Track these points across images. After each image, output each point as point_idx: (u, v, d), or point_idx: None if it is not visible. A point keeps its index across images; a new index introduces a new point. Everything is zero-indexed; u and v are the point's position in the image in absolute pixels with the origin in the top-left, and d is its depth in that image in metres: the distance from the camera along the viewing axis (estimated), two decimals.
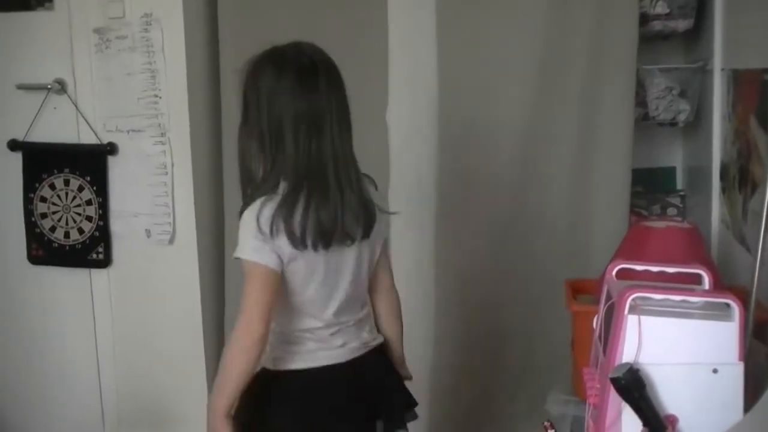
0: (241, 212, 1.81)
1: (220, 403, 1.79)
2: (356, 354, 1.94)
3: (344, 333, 1.93)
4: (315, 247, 1.80)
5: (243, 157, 1.87)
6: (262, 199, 1.79)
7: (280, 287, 1.81)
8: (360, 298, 1.98)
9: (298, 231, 1.77)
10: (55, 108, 3.05)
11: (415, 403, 2.08)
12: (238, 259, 1.79)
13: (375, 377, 1.96)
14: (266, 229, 1.75)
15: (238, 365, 1.79)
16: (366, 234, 1.89)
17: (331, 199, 1.81)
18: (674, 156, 3.17)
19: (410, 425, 2.39)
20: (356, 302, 1.96)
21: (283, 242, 1.77)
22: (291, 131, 1.79)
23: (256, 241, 1.76)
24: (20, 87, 3.06)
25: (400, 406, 2.02)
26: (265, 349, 1.82)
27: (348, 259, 1.89)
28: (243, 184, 1.88)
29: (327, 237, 1.80)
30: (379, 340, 2.04)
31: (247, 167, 1.86)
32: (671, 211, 3.06)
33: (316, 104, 1.81)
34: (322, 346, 1.90)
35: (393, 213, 1.98)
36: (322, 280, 1.86)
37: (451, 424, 3.01)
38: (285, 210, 1.77)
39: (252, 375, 1.81)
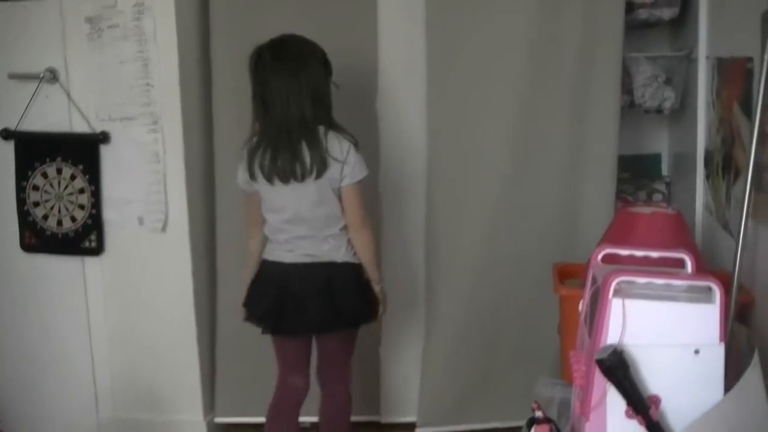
0: None
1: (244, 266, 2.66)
2: (302, 260, 2.51)
3: (293, 242, 2.51)
4: (260, 180, 2.48)
5: None
6: (246, 143, 2.52)
7: (254, 198, 2.55)
8: (315, 220, 2.49)
9: (251, 168, 2.48)
10: (47, 97, 3.05)
11: (361, 311, 2.58)
12: None
13: (311, 280, 2.51)
14: (241, 162, 2.51)
15: (244, 240, 2.66)
16: (318, 176, 2.43)
17: (277, 152, 2.44)
18: (660, 143, 3.22)
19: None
20: (308, 223, 2.49)
21: (243, 172, 2.51)
22: (255, 104, 2.49)
23: (238, 168, 2.54)
24: (12, 76, 3.05)
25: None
26: (258, 234, 2.59)
27: (292, 190, 2.46)
28: None
29: (269, 175, 2.46)
30: (337, 258, 2.52)
31: None
32: (657, 196, 3.11)
33: (264, 87, 2.45)
34: (277, 246, 2.55)
35: (342, 161, 2.45)
36: (271, 201, 2.51)
37: (444, 407, 3.05)
38: (250, 153, 2.49)
39: (257, 251, 2.60)
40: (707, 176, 2.71)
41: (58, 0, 3.00)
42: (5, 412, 3.25)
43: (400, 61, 3.03)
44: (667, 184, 3.12)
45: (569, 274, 2.50)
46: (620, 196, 3.00)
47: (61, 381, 3.25)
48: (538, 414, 2.03)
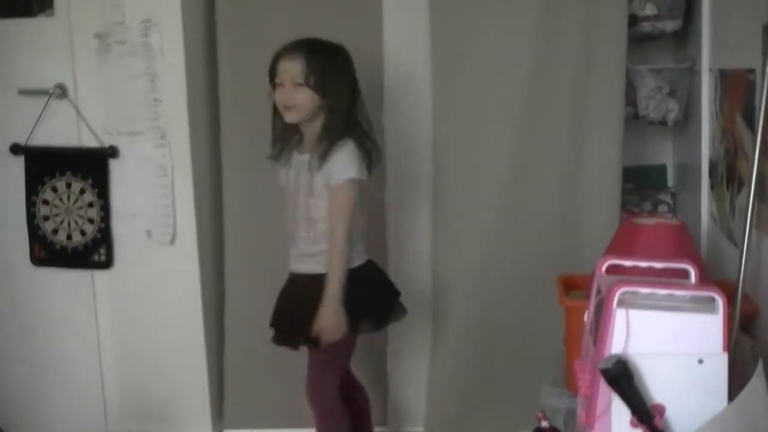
0: (329, 152, 2.46)
1: (340, 293, 2.45)
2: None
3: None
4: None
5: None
6: (351, 141, 2.48)
7: None
8: None
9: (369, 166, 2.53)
10: (56, 112, 3.09)
11: None
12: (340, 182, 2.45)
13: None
14: (354, 162, 2.46)
15: (344, 261, 2.47)
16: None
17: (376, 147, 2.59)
18: (664, 154, 3.23)
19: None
20: None
21: (365, 169, 2.50)
22: (349, 102, 2.53)
23: (354, 169, 2.45)
24: (22, 92, 3.09)
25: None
26: None
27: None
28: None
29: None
30: None
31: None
32: (662, 207, 3.12)
33: (355, 83, 2.56)
34: (363, 248, 2.58)
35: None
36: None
37: (451, 416, 3.06)
38: (364, 150, 2.51)
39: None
40: (712, 187, 2.72)
41: (67, 17, 3.04)
42: (14, 423, 3.28)
43: (404, 70, 3.05)
44: (673, 195, 3.14)
45: (574, 286, 2.51)
46: (626, 207, 3.01)
47: (70, 393, 3.28)
48: (544, 423, 2.04)
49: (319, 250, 2.52)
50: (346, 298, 2.47)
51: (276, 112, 2.57)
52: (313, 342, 2.51)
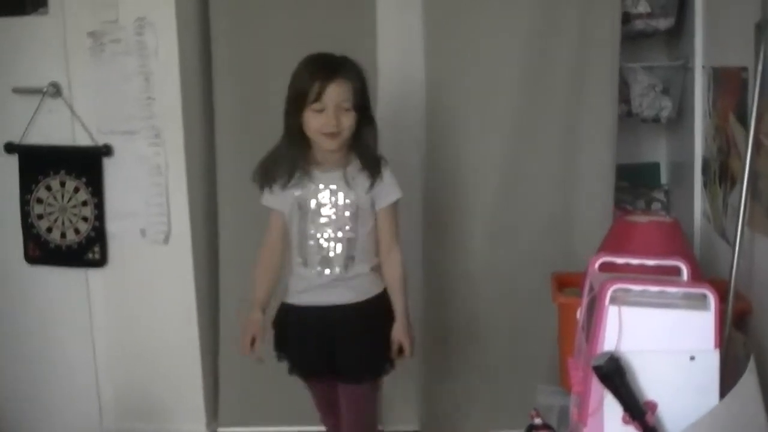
0: (378, 169, 2.35)
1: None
2: None
3: None
4: None
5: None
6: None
7: None
8: None
9: None
10: (50, 111, 3.09)
11: None
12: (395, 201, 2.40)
13: None
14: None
15: (406, 275, 2.42)
16: None
17: None
18: (658, 152, 3.23)
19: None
20: None
21: None
22: None
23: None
24: (16, 90, 3.09)
25: None
26: None
27: None
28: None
29: None
30: None
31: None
32: (655, 205, 3.12)
33: None
34: None
35: None
36: None
37: (445, 415, 3.07)
38: None
39: None
40: (705, 184, 2.73)
41: (61, 15, 3.04)
42: (9, 422, 3.27)
43: (398, 71, 3.05)
44: (666, 193, 3.14)
45: (568, 283, 2.51)
46: (619, 205, 3.01)
47: (65, 392, 3.28)
48: (537, 421, 2.05)
49: (356, 273, 2.35)
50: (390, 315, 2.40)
51: (291, 138, 2.34)
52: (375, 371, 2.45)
